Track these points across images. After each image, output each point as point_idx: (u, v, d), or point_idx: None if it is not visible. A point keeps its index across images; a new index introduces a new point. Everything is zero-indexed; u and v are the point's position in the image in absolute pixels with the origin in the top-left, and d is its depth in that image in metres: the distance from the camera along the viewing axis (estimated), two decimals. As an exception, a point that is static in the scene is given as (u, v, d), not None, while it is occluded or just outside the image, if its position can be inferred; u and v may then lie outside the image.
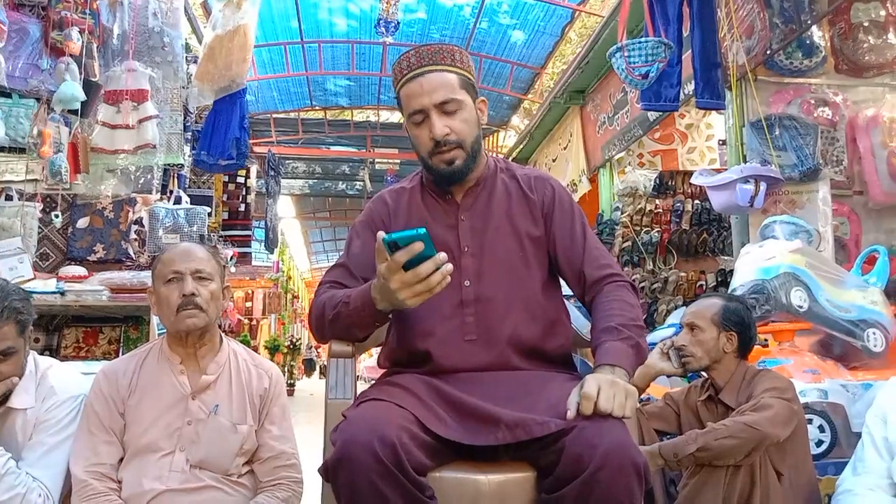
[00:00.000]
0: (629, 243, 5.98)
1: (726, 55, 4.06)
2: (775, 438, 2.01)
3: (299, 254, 19.42)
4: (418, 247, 1.41)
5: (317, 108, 10.15)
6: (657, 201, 6.00)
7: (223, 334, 2.05)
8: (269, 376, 2.01)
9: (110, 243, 4.00)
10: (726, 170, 3.92)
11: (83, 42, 3.24)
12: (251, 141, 5.59)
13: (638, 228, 5.96)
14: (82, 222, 3.98)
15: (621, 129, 6.29)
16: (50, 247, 3.92)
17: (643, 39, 3.70)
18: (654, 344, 2.46)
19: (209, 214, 4.50)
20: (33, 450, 1.82)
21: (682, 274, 5.70)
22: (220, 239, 5.96)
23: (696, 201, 5.84)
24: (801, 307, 2.86)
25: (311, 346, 19.49)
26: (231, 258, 5.89)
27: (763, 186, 3.62)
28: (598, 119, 6.86)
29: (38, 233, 3.58)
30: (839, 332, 2.90)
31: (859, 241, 4.00)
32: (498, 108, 9.59)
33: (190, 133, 4.56)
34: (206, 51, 4.31)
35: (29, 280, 3.09)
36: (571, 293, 1.83)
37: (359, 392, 1.75)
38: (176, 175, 4.53)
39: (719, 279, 5.21)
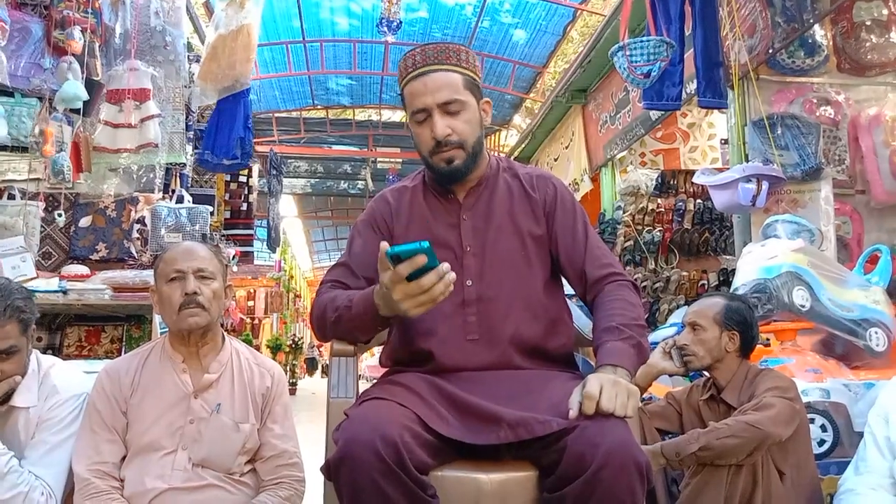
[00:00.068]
0: (631, 242, 5.97)
1: (728, 54, 4.06)
2: (777, 438, 2.01)
3: (301, 253, 19.42)
4: (421, 260, 1.41)
5: (319, 107, 10.15)
6: (659, 200, 5.98)
7: (225, 333, 2.05)
8: (272, 375, 2.01)
9: (113, 242, 4.01)
10: (728, 169, 3.91)
11: (85, 41, 3.24)
12: (253, 140, 5.59)
13: (640, 228, 5.95)
14: (85, 221, 3.99)
15: (623, 129, 6.28)
16: (52, 246, 3.92)
17: (645, 38, 3.70)
18: (656, 343, 2.46)
19: (211, 213, 4.51)
20: (36, 448, 1.82)
21: (684, 273, 5.69)
22: (223, 238, 5.96)
23: (698, 200, 5.82)
24: (803, 306, 2.86)
25: (314, 346, 19.49)
26: (233, 257, 5.90)
27: (765, 185, 3.62)
28: (600, 118, 6.85)
29: (41, 232, 3.58)
30: (841, 332, 2.90)
31: (861, 240, 3.99)
32: (500, 107, 9.58)
33: (192, 132, 4.56)
34: (209, 50, 4.32)
35: (31, 279, 3.09)
36: (573, 292, 1.83)
37: (361, 391, 1.75)
38: (178, 174, 4.54)
39: (721, 278, 5.21)
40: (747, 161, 3.89)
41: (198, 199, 4.56)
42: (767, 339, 2.99)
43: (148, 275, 3.21)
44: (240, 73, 4.40)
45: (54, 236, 3.93)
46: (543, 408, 1.49)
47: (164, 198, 4.17)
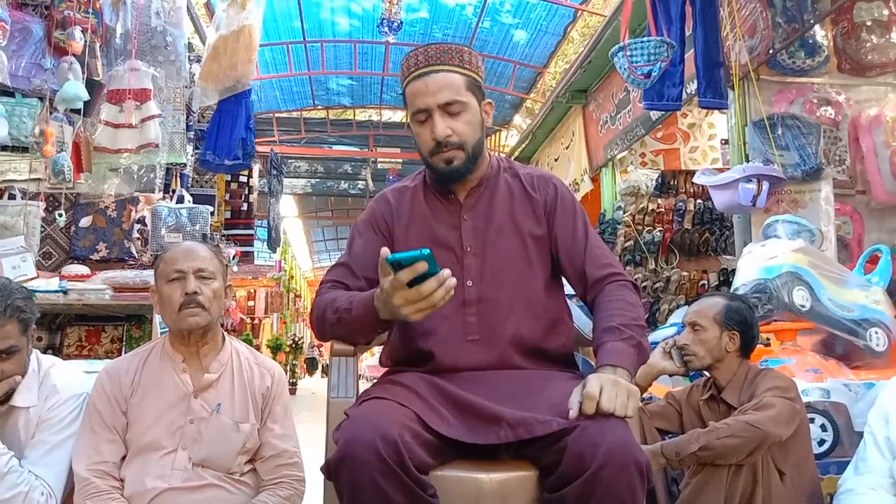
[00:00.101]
0: (631, 243, 5.97)
1: (729, 54, 4.06)
2: (777, 438, 2.01)
3: (301, 253, 19.42)
4: (422, 267, 1.41)
5: (319, 107, 10.15)
6: (659, 200, 5.99)
7: (225, 333, 2.06)
8: (272, 375, 2.01)
9: (113, 242, 4.01)
10: (729, 169, 3.91)
11: (86, 41, 3.24)
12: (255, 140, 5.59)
13: (640, 228, 5.95)
14: (85, 221, 3.99)
15: (623, 129, 6.28)
16: (53, 246, 3.92)
17: (646, 39, 3.70)
18: (657, 343, 2.46)
19: (212, 213, 4.50)
20: (36, 448, 1.82)
21: (685, 273, 5.69)
22: (223, 238, 5.96)
23: (699, 201, 5.83)
24: (803, 306, 2.86)
25: (314, 345, 19.48)
26: (233, 257, 5.90)
27: (765, 186, 3.62)
28: (601, 118, 6.85)
29: (41, 232, 3.58)
30: (841, 332, 2.90)
31: (862, 240, 4.00)
32: (500, 107, 9.58)
33: (193, 132, 4.56)
34: (210, 51, 4.32)
35: (32, 279, 3.09)
36: (573, 292, 1.83)
37: (361, 391, 1.75)
38: (178, 174, 4.54)
39: (721, 278, 5.21)
40: (748, 161, 3.89)
41: (198, 199, 4.56)
42: (768, 339, 2.99)
43: (148, 275, 3.21)
44: (241, 73, 4.40)
45: (55, 236, 3.93)
46: (543, 408, 1.49)
47: (164, 198, 4.17)
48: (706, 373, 2.38)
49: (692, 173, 5.06)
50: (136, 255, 4.04)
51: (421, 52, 1.75)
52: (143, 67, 3.64)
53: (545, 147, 8.76)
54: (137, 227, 4.06)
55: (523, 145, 9.06)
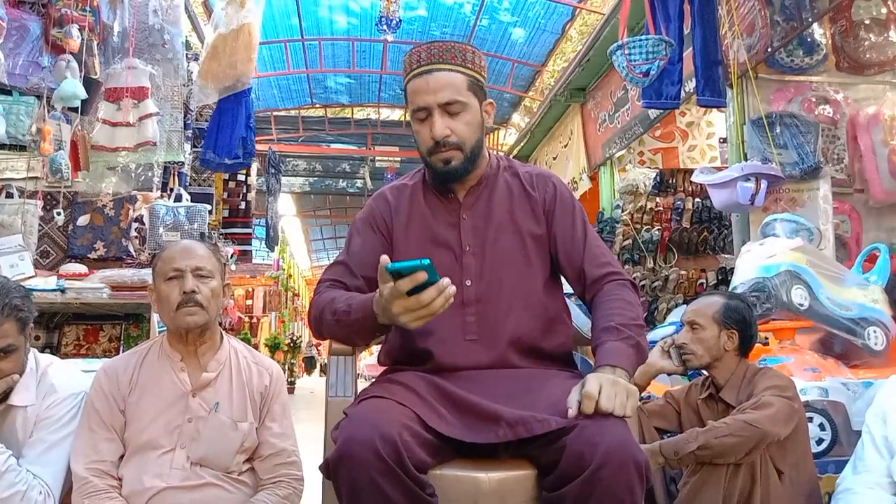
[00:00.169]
0: (630, 241, 5.98)
1: (727, 53, 4.06)
2: (776, 437, 2.01)
3: (300, 252, 19.42)
4: (422, 276, 1.40)
5: (317, 105, 10.14)
6: (658, 199, 5.99)
7: (223, 332, 2.05)
8: (270, 374, 2.01)
9: (111, 241, 4.00)
10: (727, 168, 3.91)
11: (83, 39, 3.23)
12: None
13: (638, 226, 5.96)
14: (83, 220, 3.98)
15: (622, 127, 6.28)
16: (50, 244, 3.92)
17: (644, 37, 3.69)
18: (655, 342, 2.46)
19: (209, 212, 4.50)
20: (34, 447, 1.82)
21: (683, 272, 5.70)
22: (221, 237, 5.96)
23: (697, 199, 5.83)
24: (801, 305, 2.86)
25: (312, 344, 19.48)
26: (231, 256, 5.89)
27: (764, 184, 3.62)
28: (599, 117, 6.85)
29: (39, 230, 3.58)
30: (840, 331, 2.90)
31: (860, 239, 4.00)
32: (498, 105, 9.58)
33: (190, 131, 4.56)
34: (210, 50, 4.31)
35: (30, 277, 3.09)
36: (572, 291, 1.82)
37: (359, 390, 1.75)
38: (176, 173, 4.54)
39: (720, 277, 5.21)
40: (746, 160, 3.89)
41: (196, 198, 4.56)
42: (766, 338, 2.99)
43: (146, 273, 3.21)
44: (241, 72, 4.40)
45: (52, 235, 3.92)
46: (542, 407, 1.49)
47: (162, 196, 4.17)
48: (705, 372, 2.38)
49: (691, 172, 5.07)
50: (133, 253, 4.03)
51: (424, 50, 1.74)
52: (140, 65, 3.63)
53: (544, 145, 8.76)
54: (135, 225, 4.06)
55: (522, 144, 9.06)
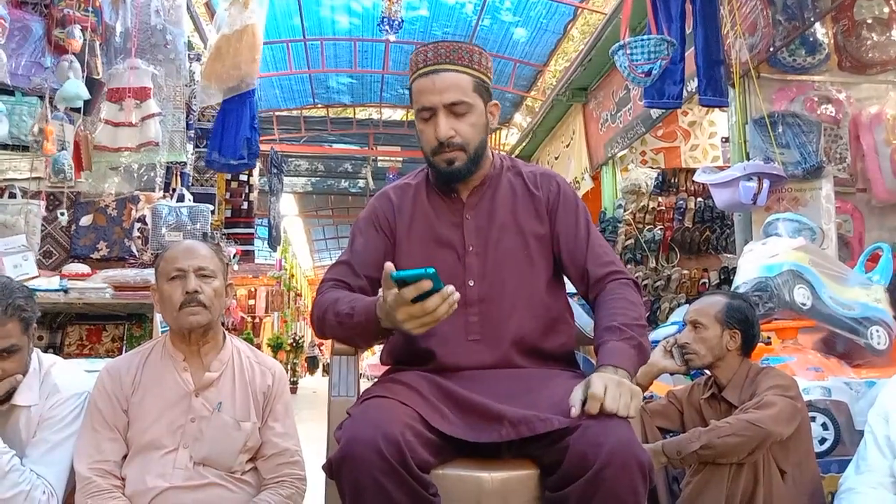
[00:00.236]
0: (632, 241, 5.97)
1: (729, 52, 4.05)
2: (778, 436, 2.01)
3: (302, 252, 19.41)
4: (426, 285, 1.40)
5: (319, 105, 10.15)
6: (660, 199, 5.98)
7: (226, 332, 2.05)
8: (273, 373, 2.01)
9: (113, 241, 4.01)
10: (729, 167, 3.91)
11: (86, 40, 3.23)
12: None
13: (641, 226, 5.95)
14: (85, 220, 3.99)
15: (624, 127, 6.28)
16: (53, 244, 3.92)
17: (646, 37, 3.69)
18: (658, 342, 2.46)
19: (212, 212, 4.50)
20: (37, 447, 1.82)
21: (685, 272, 5.69)
22: (223, 237, 5.96)
23: (699, 199, 5.82)
24: (804, 305, 2.86)
25: (314, 344, 19.49)
26: (234, 256, 5.89)
27: (766, 184, 3.61)
28: (601, 116, 6.85)
29: (42, 230, 3.58)
30: (843, 330, 2.90)
31: (863, 238, 3.99)
32: (500, 105, 9.57)
33: (193, 131, 4.56)
34: (213, 51, 4.31)
35: (33, 277, 3.09)
36: (575, 291, 1.82)
37: (362, 389, 1.75)
38: (179, 173, 4.54)
39: (722, 277, 5.21)
40: (748, 159, 3.89)
41: (198, 198, 4.56)
42: (769, 338, 2.99)
43: (149, 273, 3.21)
44: (245, 73, 4.39)
45: (55, 235, 3.92)
46: (545, 406, 1.49)
47: (164, 196, 4.17)
48: (707, 371, 2.38)
49: (693, 171, 5.06)
50: (136, 253, 4.03)
51: (431, 49, 1.74)
52: (142, 66, 3.63)
53: (546, 145, 8.76)
54: (138, 225, 4.06)
55: (524, 143, 9.06)
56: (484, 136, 1.78)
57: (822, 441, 2.45)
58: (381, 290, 1.51)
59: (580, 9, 7.40)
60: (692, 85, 4.42)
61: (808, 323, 2.93)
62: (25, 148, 3.28)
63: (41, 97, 3.18)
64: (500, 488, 1.45)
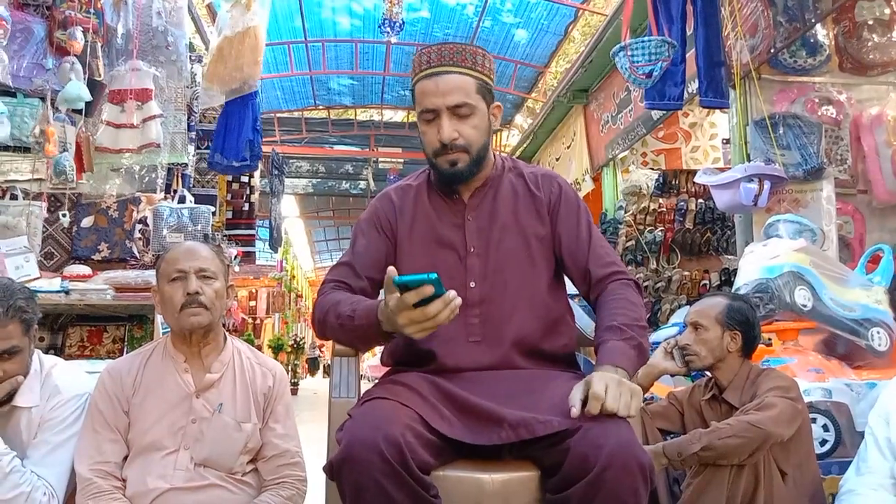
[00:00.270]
0: (633, 242, 5.98)
1: (730, 54, 4.05)
2: (779, 438, 2.01)
3: (303, 253, 19.41)
4: (428, 290, 1.40)
5: (320, 107, 10.15)
6: (661, 200, 5.99)
7: (227, 333, 2.06)
8: (273, 375, 2.01)
9: (115, 242, 4.01)
10: (730, 168, 3.91)
11: (87, 41, 3.24)
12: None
13: (641, 227, 5.96)
14: (87, 221, 3.99)
15: (625, 128, 6.28)
16: (54, 246, 3.93)
17: (647, 38, 3.69)
18: (658, 343, 2.46)
19: (213, 213, 4.50)
20: (38, 448, 1.83)
21: (686, 273, 5.69)
22: (224, 238, 5.96)
23: (700, 200, 5.83)
24: (805, 306, 2.86)
25: (315, 346, 19.49)
26: (235, 257, 5.90)
27: (767, 185, 3.61)
28: (602, 118, 6.85)
29: (43, 232, 3.58)
30: (843, 331, 2.90)
31: (863, 239, 3.99)
32: (502, 106, 9.58)
33: (194, 132, 4.56)
34: (216, 52, 4.31)
35: (35, 279, 3.09)
36: (576, 292, 1.83)
37: (362, 391, 1.75)
38: (180, 174, 4.54)
39: (723, 278, 5.20)
40: (749, 161, 3.88)
41: (200, 200, 4.56)
42: (769, 339, 2.99)
43: (150, 275, 3.21)
44: (248, 75, 4.40)
45: (56, 236, 3.93)
46: (545, 407, 1.49)
47: (166, 198, 4.17)
48: (708, 373, 2.38)
49: (693, 173, 5.06)
50: (137, 255, 4.04)
51: (434, 51, 1.74)
52: (144, 67, 3.63)
53: (546, 147, 8.76)
54: (139, 227, 4.07)
55: (524, 145, 9.06)
56: (487, 137, 1.78)
57: (823, 442, 2.44)
58: (382, 290, 1.51)
59: (581, 10, 7.40)
60: (693, 86, 4.42)
61: (809, 324, 2.93)
62: (27, 149, 3.28)
63: (43, 99, 3.18)
64: (500, 490, 1.45)
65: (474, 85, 1.72)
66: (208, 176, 5.36)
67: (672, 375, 2.43)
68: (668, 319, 4.83)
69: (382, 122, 11.00)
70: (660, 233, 5.86)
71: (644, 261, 5.90)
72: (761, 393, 2.12)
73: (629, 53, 3.67)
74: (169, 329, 1.98)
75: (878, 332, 2.89)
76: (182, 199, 4.12)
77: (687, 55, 4.03)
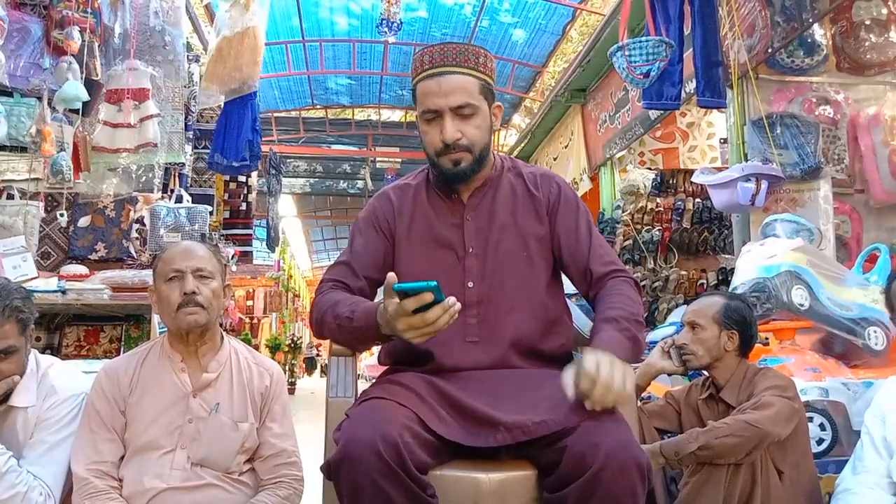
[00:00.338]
0: (630, 242, 5.97)
1: (728, 53, 4.06)
2: (776, 437, 2.01)
3: (300, 252, 19.41)
4: (428, 298, 1.40)
5: (318, 106, 10.15)
6: (658, 200, 5.99)
7: (224, 332, 2.05)
8: (270, 374, 2.01)
9: (111, 242, 4.01)
10: (727, 168, 3.92)
11: (84, 41, 3.23)
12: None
13: (639, 227, 5.96)
14: (84, 221, 3.99)
15: (622, 128, 6.29)
16: (51, 245, 3.92)
17: (644, 38, 3.70)
18: (656, 342, 2.46)
19: (210, 213, 4.50)
20: (34, 448, 1.82)
21: (683, 272, 5.69)
22: (222, 237, 5.96)
23: (698, 200, 5.83)
24: (802, 305, 2.86)
25: (313, 345, 19.50)
26: (232, 257, 5.90)
27: (764, 185, 3.62)
28: (600, 117, 6.86)
29: (40, 232, 3.58)
30: (840, 331, 2.90)
31: (860, 239, 4.00)
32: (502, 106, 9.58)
33: (191, 132, 4.56)
34: (215, 52, 4.31)
35: (32, 278, 3.09)
36: (574, 291, 1.83)
37: (359, 391, 1.75)
38: (177, 174, 4.54)
39: (720, 278, 5.21)
40: (746, 160, 3.89)
41: (197, 199, 4.56)
42: (766, 338, 2.99)
43: (147, 274, 3.21)
44: (247, 75, 4.39)
45: (53, 236, 3.92)
46: (543, 407, 1.49)
47: (163, 197, 4.17)
48: (705, 372, 2.38)
49: (691, 172, 5.07)
50: (134, 254, 4.04)
51: (437, 51, 1.73)
52: (141, 67, 3.63)
53: (544, 146, 8.76)
54: (136, 226, 4.06)
55: (522, 144, 9.07)
56: (488, 137, 1.78)
57: (820, 441, 2.45)
58: (380, 290, 1.51)
59: (579, 10, 7.40)
60: (690, 86, 4.43)
61: (806, 324, 2.94)
62: (24, 149, 3.28)
63: (40, 98, 3.18)
64: (497, 489, 1.45)
65: (477, 85, 1.72)
66: (205, 175, 5.36)
67: (669, 375, 2.43)
68: (665, 319, 4.83)
69: (380, 122, 11.01)
70: (657, 232, 5.86)
71: (641, 260, 5.90)
72: (758, 392, 2.13)
73: (627, 53, 3.68)
74: (166, 328, 1.98)
75: (875, 332, 2.89)
76: (179, 199, 4.12)
77: (684, 55, 4.04)
